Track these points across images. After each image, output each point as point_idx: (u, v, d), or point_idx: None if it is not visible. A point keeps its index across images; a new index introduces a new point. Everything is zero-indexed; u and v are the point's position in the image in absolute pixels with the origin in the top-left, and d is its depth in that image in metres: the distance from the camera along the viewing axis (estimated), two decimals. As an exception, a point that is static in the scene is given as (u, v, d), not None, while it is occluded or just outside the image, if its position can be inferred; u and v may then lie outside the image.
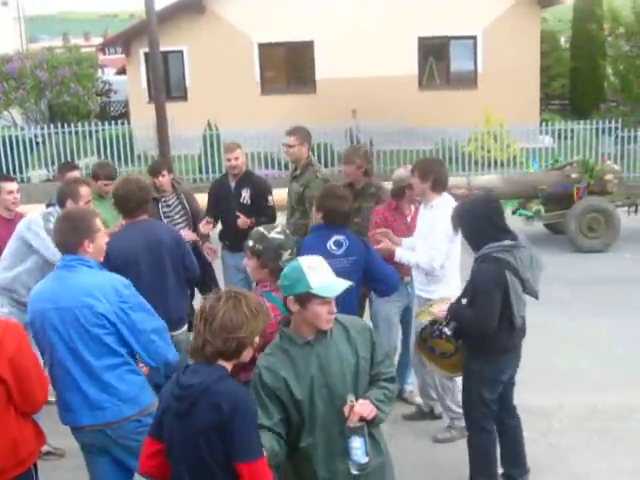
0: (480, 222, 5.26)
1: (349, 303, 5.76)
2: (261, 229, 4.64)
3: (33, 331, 4.42)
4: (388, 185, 7.16)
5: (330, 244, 5.55)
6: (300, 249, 5.37)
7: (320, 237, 5.63)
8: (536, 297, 5.46)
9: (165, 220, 8.08)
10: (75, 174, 7.61)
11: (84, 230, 4.44)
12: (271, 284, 4.52)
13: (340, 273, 5.38)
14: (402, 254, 6.34)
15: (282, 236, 4.57)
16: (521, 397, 6.92)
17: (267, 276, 4.56)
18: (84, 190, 6.41)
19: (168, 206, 8.22)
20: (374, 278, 5.76)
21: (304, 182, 7.80)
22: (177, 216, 8.20)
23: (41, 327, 4.34)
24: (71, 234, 4.41)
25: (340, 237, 5.59)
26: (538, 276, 5.45)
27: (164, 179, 8.13)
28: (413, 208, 6.87)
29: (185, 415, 3.40)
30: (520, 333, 5.46)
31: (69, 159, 19.15)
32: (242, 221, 7.79)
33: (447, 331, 5.41)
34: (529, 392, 7.16)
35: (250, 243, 4.59)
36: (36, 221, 6.35)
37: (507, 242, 5.19)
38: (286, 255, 4.52)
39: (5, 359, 3.78)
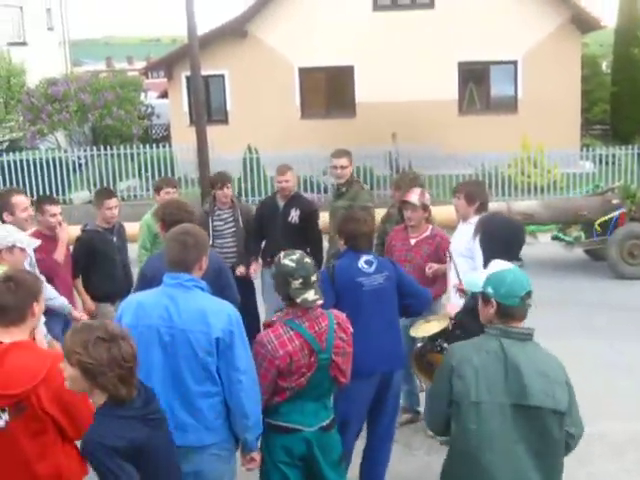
0: (498, 243, 5.09)
1: (396, 327, 5.77)
2: (282, 253, 4.62)
3: None
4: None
5: (361, 263, 5.52)
6: (334, 275, 5.40)
7: (349, 259, 5.58)
8: None
9: (214, 234, 8.25)
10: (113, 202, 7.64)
11: (203, 247, 4.40)
12: (294, 311, 4.53)
13: (377, 291, 5.46)
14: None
15: (293, 264, 4.49)
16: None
17: (282, 301, 4.59)
18: (16, 199, 6.46)
19: (221, 220, 8.36)
20: (407, 294, 5.70)
21: (352, 196, 7.99)
22: (228, 231, 8.36)
23: (144, 343, 4.15)
24: (193, 250, 4.31)
25: (369, 256, 5.59)
26: None
27: (228, 191, 8.34)
28: (430, 231, 6.86)
29: None
30: None
31: (111, 181, 19.46)
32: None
33: (447, 346, 5.24)
34: (568, 419, 7.09)
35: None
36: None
37: (517, 263, 4.95)
38: (296, 284, 4.46)
39: (52, 392, 3.74)
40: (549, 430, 3.75)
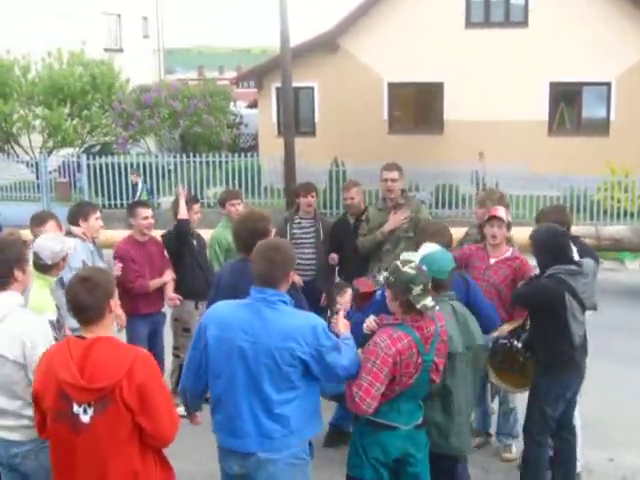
0: (550, 248, 5.71)
1: None
2: (397, 262, 4.76)
3: (211, 355, 4.38)
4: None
5: None
6: None
7: None
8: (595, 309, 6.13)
9: (292, 241, 8.28)
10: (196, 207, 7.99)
11: (290, 262, 4.48)
12: (404, 317, 4.62)
13: None
14: None
15: (414, 271, 4.65)
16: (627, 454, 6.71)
17: (398, 308, 4.66)
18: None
19: (300, 228, 8.41)
20: (475, 315, 5.60)
21: (414, 208, 7.89)
22: (308, 238, 8.39)
23: (226, 354, 4.31)
24: (280, 267, 4.38)
25: None
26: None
27: (312, 199, 8.43)
28: (511, 253, 6.69)
29: None
30: (581, 351, 5.81)
31: (198, 188, 19.75)
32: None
33: (517, 344, 5.84)
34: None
35: (386, 274, 4.76)
36: None
37: (572, 267, 5.64)
38: (417, 290, 4.58)
39: (134, 387, 3.83)
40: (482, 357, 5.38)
